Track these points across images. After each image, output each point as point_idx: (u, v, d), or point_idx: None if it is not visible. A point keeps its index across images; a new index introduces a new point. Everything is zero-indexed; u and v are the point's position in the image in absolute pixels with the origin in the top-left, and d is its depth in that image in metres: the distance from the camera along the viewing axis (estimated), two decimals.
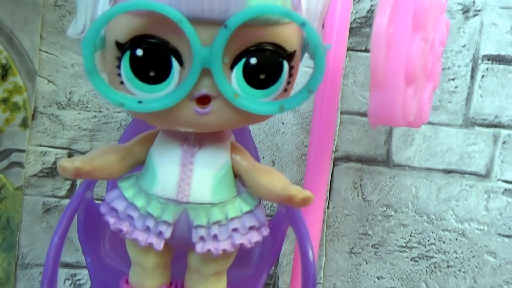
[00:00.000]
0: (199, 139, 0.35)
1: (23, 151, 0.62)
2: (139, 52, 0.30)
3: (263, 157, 0.62)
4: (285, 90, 0.33)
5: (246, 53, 0.31)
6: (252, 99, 0.32)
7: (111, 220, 0.36)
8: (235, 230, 0.35)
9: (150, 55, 0.30)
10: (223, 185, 0.35)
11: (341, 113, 0.59)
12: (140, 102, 0.31)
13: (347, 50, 0.59)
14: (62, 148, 0.63)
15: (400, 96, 0.34)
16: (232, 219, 0.35)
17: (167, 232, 0.35)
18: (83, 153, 0.65)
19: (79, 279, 0.65)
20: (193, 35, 0.29)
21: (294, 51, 0.32)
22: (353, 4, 0.59)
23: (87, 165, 0.33)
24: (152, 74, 0.30)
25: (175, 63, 0.31)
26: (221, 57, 0.30)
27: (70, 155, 0.63)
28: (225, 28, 0.29)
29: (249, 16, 0.29)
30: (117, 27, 0.30)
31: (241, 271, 0.47)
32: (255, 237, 0.36)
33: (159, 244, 0.35)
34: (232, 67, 0.31)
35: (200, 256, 0.36)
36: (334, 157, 0.60)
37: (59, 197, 0.63)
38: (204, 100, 0.31)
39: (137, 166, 0.37)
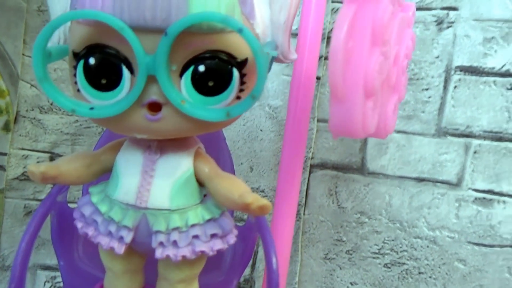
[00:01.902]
0: (161, 146, 0.36)
1: (5, 154, 0.63)
2: (92, 60, 0.31)
3: (241, 163, 0.62)
4: (238, 97, 0.33)
5: (194, 60, 0.31)
6: (200, 105, 0.32)
7: (79, 224, 0.37)
8: (195, 237, 0.35)
9: (102, 63, 0.31)
10: (183, 192, 0.36)
11: (318, 121, 0.60)
12: (91, 108, 0.32)
13: (325, 59, 0.60)
14: (44, 152, 0.64)
15: (359, 109, 0.34)
16: (193, 226, 0.35)
17: (128, 237, 0.35)
18: None
19: (59, 282, 0.66)
20: (135, 43, 0.30)
21: (246, 59, 0.32)
22: (331, 14, 0.60)
23: (53, 170, 0.35)
24: (104, 81, 0.32)
25: (125, 71, 0.31)
26: (166, 64, 0.31)
27: (52, 159, 0.64)
28: (165, 36, 0.30)
29: (188, 24, 0.30)
30: (73, 37, 0.32)
31: (212, 276, 0.48)
32: (218, 245, 0.36)
33: (120, 249, 0.35)
34: (181, 74, 0.32)
35: (164, 262, 0.37)
36: (310, 164, 0.61)
37: (40, 200, 0.64)
38: (154, 107, 0.32)
39: (105, 173, 0.38)
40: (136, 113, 0.32)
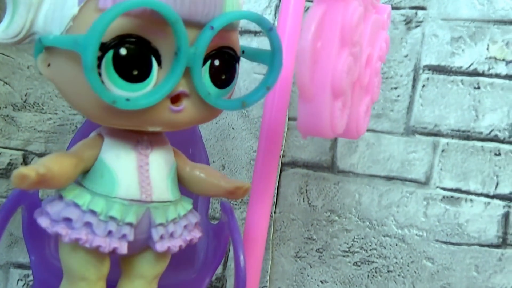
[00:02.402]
0: (150, 141, 0.36)
1: None
2: (123, 51, 0.31)
3: (214, 162, 0.63)
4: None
5: (210, 56, 0.34)
6: (217, 97, 0.35)
7: (64, 231, 0.34)
8: (185, 226, 0.37)
9: (133, 54, 0.31)
10: (174, 184, 0.38)
11: (289, 119, 0.61)
12: (127, 100, 0.31)
13: None
14: (17, 150, 0.64)
15: (326, 109, 0.34)
16: (183, 216, 0.37)
17: (131, 234, 0.35)
18: (38, 155, 0.66)
19: (32, 280, 0.66)
20: (184, 35, 0.31)
21: (239, 56, 0.36)
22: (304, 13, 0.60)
23: (49, 172, 0.32)
24: (135, 73, 0.31)
25: (154, 63, 0.32)
26: (203, 57, 0.32)
27: (25, 157, 0.64)
28: (211, 30, 0.32)
29: (231, 20, 0.33)
30: None
31: (185, 274, 0.48)
32: (198, 233, 0.39)
33: (123, 247, 0.35)
34: None
35: (147, 258, 0.37)
36: (281, 163, 0.61)
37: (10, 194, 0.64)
38: (177, 99, 0.33)
39: (83, 172, 0.36)
40: (162, 105, 0.33)
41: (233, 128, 0.62)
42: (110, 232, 0.34)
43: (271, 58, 0.36)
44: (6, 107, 0.63)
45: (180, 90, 0.33)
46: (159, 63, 0.32)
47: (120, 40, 0.30)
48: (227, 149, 0.62)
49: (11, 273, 0.66)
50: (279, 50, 0.35)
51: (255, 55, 0.38)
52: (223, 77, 0.35)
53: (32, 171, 0.30)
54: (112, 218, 0.34)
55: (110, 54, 0.30)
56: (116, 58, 0.30)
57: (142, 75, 0.31)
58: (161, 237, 0.36)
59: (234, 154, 0.62)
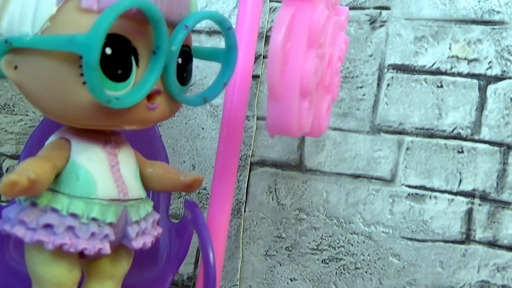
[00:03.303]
0: (116, 141, 0.37)
1: None
2: (108, 50, 0.31)
3: (184, 162, 0.63)
4: None
5: None
6: (183, 94, 0.36)
7: (46, 239, 0.33)
8: (152, 223, 0.39)
9: (117, 53, 0.31)
10: (140, 182, 0.38)
11: (257, 119, 0.61)
12: (117, 98, 0.31)
13: (263, 57, 0.61)
14: None
15: (295, 109, 0.35)
16: (149, 213, 0.39)
17: (112, 234, 0.35)
18: (9, 156, 0.66)
19: None
20: (166, 34, 0.32)
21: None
22: (269, 13, 0.61)
23: (38, 177, 0.31)
24: (119, 72, 0.32)
25: (134, 62, 0.32)
26: (178, 55, 0.34)
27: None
28: (185, 29, 0.33)
29: (201, 19, 0.34)
30: (77, 26, 0.30)
31: (147, 273, 0.48)
32: (160, 228, 0.40)
33: (106, 248, 0.35)
34: None
35: (115, 257, 0.38)
36: (250, 162, 0.61)
37: None
38: (152, 96, 0.34)
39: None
40: (141, 103, 0.33)
41: (202, 128, 0.63)
42: (93, 234, 0.34)
43: (226, 56, 0.38)
44: None
45: (155, 88, 0.34)
46: (137, 62, 0.32)
47: (106, 39, 0.30)
48: (197, 149, 0.63)
49: None
50: (235, 48, 0.37)
51: (207, 54, 0.39)
52: (185, 74, 0.36)
53: (23, 177, 0.29)
54: (93, 219, 0.34)
55: None
56: (103, 58, 0.30)
57: (125, 74, 0.32)
58: (137, 234, 0.37)
59: (204, 154, 0.62)
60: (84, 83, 0.31)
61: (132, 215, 0.36)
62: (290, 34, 0.34)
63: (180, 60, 0.35)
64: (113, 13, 0.29)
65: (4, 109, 0.64)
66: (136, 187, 0.37)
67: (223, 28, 0.36)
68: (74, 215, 0.34)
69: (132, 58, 0.32)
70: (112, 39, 0.31)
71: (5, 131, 0.64)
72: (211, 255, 0.41)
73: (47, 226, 0.34)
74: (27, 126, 0.65)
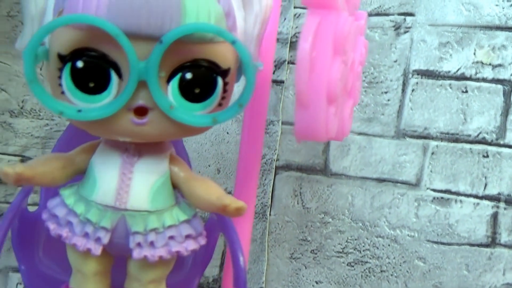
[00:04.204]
0: (138, 149, 0.36)
1: None
2: (80, 64, 0.31)
3: (209, 166, 0.64)
4: (220, 104, 0.34)
5: (182, 68, 0.33)
6: (187, 111, 0.33)
7: (52, 226, 0.37)
8: (171, 237, 0.37)
9: (90, 67, 0.32)
10: (160, 194, 0.37)
11: (282, 123, 0.62)
12: (79, 111, 0.32)
13: (288, 63, 0.61)
14: (15, 155, 0.65)
15: (322, 114, 0.36)
16: (169, 227, 0.37)
17: (105, 238, 0.36)
18: None
19: None
20: (130, 49, 0.31)
21: (229, 68, 0.33)
22: (293, 19, 0.62)
23: (29, 171, 0.34)
24: (91, 85, 0.32)
25: (113, 75, 0.32)
26: (157, 70, 0.32)
27: (22, 162, 0.65)
28: (160, 43, 0.31)
29: (183, 33, 0.31)
30: (59, 39, 0.32)
31: (174, 275, 0.49)
32: (192, 245, 0.37)
33: (96, 250, 0.36)
34: (168, 80, 0.33)
35: (138, 263, 0.37)
36: (275, 166, 0.62)
37: (10, 203, 0.64)
38: (141, 111, 0.33)
39: (78, 174, 0.38)
40: (123, 117, 0.33)
41: (227, 133, 0.63)
42: (86, 233, 0.36)
43: (244, 73, 0.34)
44: (3, 114, 0.64)
45: (139, 103, 0.32)
46: (120, 76, 0.32)
47: (78, 53, 0.31)
48: (222, 153, 0.63)
49: (10, 277, 0.66)
50: (248, 65, 0.33)
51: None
52: (197, 90, 0.33)
53: (11, 169, 0.33)
54: (88, 220, 0.36)
55: (68, 66, 0.32)
56: (73, 70, 0.32)
57: (100, 87, 0.32)
58: (138, 245, 0.36)
59: (229, 158, 0.63)
60: (62, 92, 0.33)
61: (133, 225, 0.36)
62: (316, 42, 0.35)
63: (189, 75, 0.33)
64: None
65: (30, 113, 0.65)
66: (144, 199, 0.36)
67: (228, 41, 0.33)
68: (75, 212, 0.36)
69: (112, 71, 0.32)
70: (85, 53, 0.32)
71: (31, 135, 0.65)
72: (241, 258, 0.41)
73: (55, 216, 0.37)
74: (53, 131, 0.66)
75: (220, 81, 0.33)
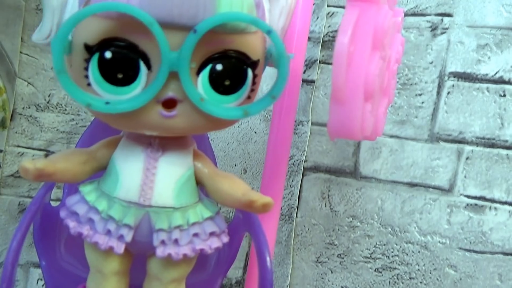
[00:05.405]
0: (162, 144, 0.35)
1: (0, 151, 0.64)
2: (108, 54, 0.30)
3: (235, 165, 0.63)
4: (249, 97, 0.34)
5: (212, 59, 0.32)
6: (217, 104, 0.33)
7: (71, 224, 0.36)
8: (196, 235, 0.36)
9: (119, 57, 0.31)
10: (185, 190, 0.36)
11: (312, 124, 0.61)
12: (107, 103, 0.31)
13: (319, 63, 0.60)
14: (39, 150, 0.64)
15: (359, 112, 0.35)
16: (193, 224, 0.36)
17: (128, 236, 0.35)
18: None
19: None
20: (162, 38, 0.30)
21: (258, 60, 0.33)
22: (326, 18, 0.60)
23: (49, 167, 0.33)
24: (120, 76, 0.31)
25: (143, 66, 0.31)
26: (189, 61, 0.31)
27: (47, 157, 0.64)
28: (194, 33, 0.30)
29: (217, 22, 0.30)
30: (86, 29, 0.31)
31: (197, 275, 0.48)
32: (215, 243, 0.36)
33: (119, 248, 0.35)
34: (198, 72, 0.32)
35: (160, 261, 0.36)
36: (303, 167, 0.61)
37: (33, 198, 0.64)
38: (170, 104, 0.32)
39: (100, 170, 0.37)
40: (151, 110, 0.32)
41: (255, 132, 0.62)
42: (109, 231, 0.35)
43: (277, 64, 0.33)
44: (29, 108, 0.64)
45: (169, 95, 0.32)
46: (149, 67, 0.31)
47: (106, 43, 0.30)
48: (249, 152, 0.62)
49: (31, 272, 0.66)
50: (282, 56, 0.32)
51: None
52: (227, 82, 0.33)
53: (31, 164, 0.32)
54: (111, 217, 0.35)
55: (96, 57, 0.31)
56: (101, 61, 0.31)
57: (128, 79, 0.31)
58: (162, 243, 0.35)
59: (256, 158, 0.62)
60: (88, 84, 0.31)
61: (157, 222, 0.35)
62: (355, 36, 0.34)
63: (220, 66, 0.32)
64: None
65: (56, 108, 0.65)
66: (169, 195, 0.35)
67: (263, 31, 0.32)
68: (96, 209, 0.35)
69: (141, 62, 0.31)
70: (114, 43, 0.31)
71: (56, 130, 0.65)
72: (268, 259, 0.40)
73: (75, 214, 0.36)
74: (78, 126, 0.65)
75: (250, 73, 0.33)
